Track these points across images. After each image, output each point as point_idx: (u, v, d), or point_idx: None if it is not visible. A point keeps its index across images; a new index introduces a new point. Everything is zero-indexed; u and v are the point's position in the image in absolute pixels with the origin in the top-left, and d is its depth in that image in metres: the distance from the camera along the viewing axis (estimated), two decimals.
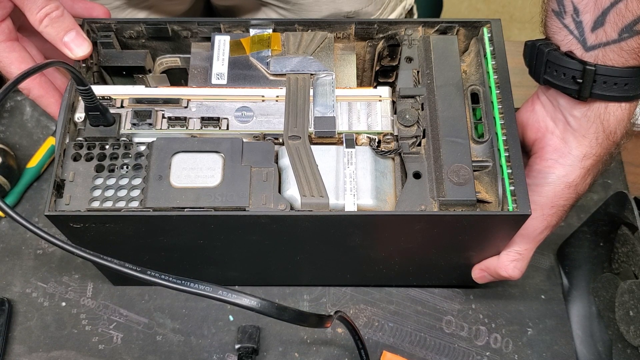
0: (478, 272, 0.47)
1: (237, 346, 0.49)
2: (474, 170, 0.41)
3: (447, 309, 0.53)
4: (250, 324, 0.50)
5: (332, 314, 0.39)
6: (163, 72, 0.49)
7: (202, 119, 0.42)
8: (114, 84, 0.48)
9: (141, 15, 0.60)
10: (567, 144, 0.42)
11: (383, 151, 0.42)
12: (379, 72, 0.48)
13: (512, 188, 0.39)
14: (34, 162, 0.57)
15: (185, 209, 0.39)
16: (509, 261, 0.44)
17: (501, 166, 0.40)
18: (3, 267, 0.54)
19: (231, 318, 0.52)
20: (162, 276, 0.33)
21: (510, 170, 0.40)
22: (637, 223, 0.42)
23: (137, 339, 0.52)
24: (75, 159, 0.41)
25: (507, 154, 0.40)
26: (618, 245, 0.47)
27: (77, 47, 0.42)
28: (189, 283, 0.33)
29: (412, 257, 0.47)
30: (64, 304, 0.53)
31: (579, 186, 0.42)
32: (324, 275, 0.52)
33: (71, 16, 0.42)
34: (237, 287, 0.53)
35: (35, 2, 0.40)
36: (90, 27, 0.45)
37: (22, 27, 0.44)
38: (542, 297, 0.53)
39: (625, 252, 0.46)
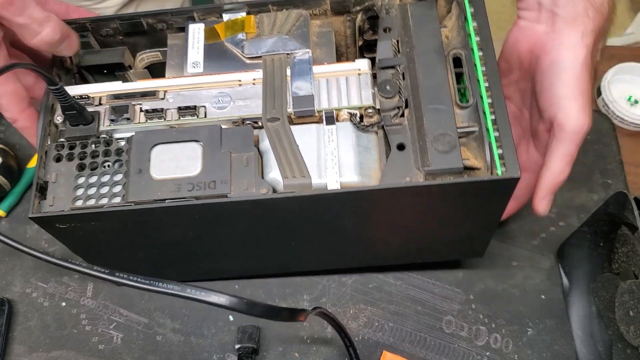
0: (545, 203, 0.44)
1: (237, 346, 0.49)
2: (460, 137, 0.39)
3: (447, 309, 0.53)
4: (250, 324, 0.50)
5: (308, 308, 0.39)
6: (146, 68, 0.48)
7: (179, 108, 0.41)
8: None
9: (149, 7, 0.59)
10: (563, 33, 0.42)
11: (364, 125, 0.41)
12: (364, 47, 0.47)
13: (500, 151, 0.37)
14: (34, 162, 0.57)
15: (166, 200, 0.38)
16: (565, 165, 0.43)
17: (487, 130, 0.38)
18: (3, 267, 0.54)
19: (231, 318, 0.52)
20: (131, 277, 0.33)
21: (497, 134, 0.38)
22: (637, 223, 0.42)
23: (137, 339, 0.52)
24: (58, 159, 0.41)
25: (493, 117, 0.38)
26: (618, 245, 0.47)
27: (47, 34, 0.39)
28: (157, 283, 0.33)
29: (409, 233, 0.46)
30: (64, 304, 0.53)
31: (590, 67, 0.42)
32: (324, 260, 0.51)
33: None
34: (237, 279, 0.53)
35: (29, 29, 0.39)
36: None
37: (13, 42, 0.43)
38: (542, 297, 0.53)
39: (625, 252, 0.46)
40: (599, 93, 0.62)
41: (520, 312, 0.53)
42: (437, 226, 0.45)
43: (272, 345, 0.51)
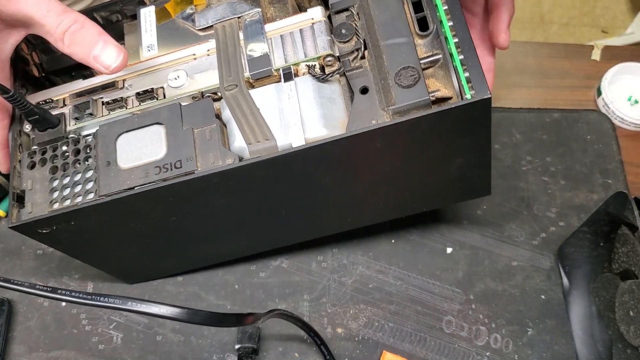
0: (507, 35, 0.48)
1: (237, 346, 0.49)
2: (426, 68, 0.37)
3: (447, 309, 0.53)
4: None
5: (253, 312, 0.38)
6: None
7: (137, 94, 0.41)
8: None
9: None
10: None
11: (324, 75, 0.39)
12: None
13: (467, 75, 0.35)
14: None
15: (135, 188, 0.38)
16: (513, 0, 0.47)
17: (451, 54, 0.36)
18: (3, 267, 0.54)
19: None
20: (73, 293, 0.34)
21: (462, 57, 0.36)
22: (637, 223, 0.42)
23: (137, 339, 0.52)
24: (32, 167, 0.41)
25: (456, 40, 0.36)
26: (618, 245, 0.47)
27: (106, 58, 0.37)
28: (99, 298, 0.33)
29: (399, 180, 0.44)
30: (63, 304, 0.53)
31: None
32: (323, 225, 0.50)
33: (96, 25, 0.37)
34: (232, 262, 0.53)
35: (50, 20, 0.37)
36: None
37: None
38: (542, 297, 0.53)
39: (626, 252, 0.46)
40: (599, 93, 0.62)
41: (521, 312, 0.53)
42: (425, 168, 0.42)
43: (272, 345, 0.51)
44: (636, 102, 0.62)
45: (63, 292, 0.34)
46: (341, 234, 0.54)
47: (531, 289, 0.54)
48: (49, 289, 0.34)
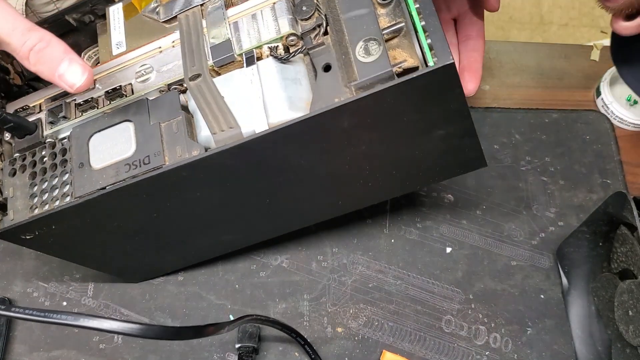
0: None
1: (237, 345, 0.49)
2: (390, 38, 0.36)
3: (446, 308, 0.53)
4: (251, 323, 0.50)
5: (211, 323, 0.38)
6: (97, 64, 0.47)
7: (107, 92, 0.41)
8: None
9: None
10: None
11: (287, 55, 0.38)
12: None
13: (429, 41, 0.34)
14: None
15: (107, 187, 0.38)
16: None
17: (413, 21, 0.35)
18: (4, 266, 0.54)
19: (231, 317, 0.53)
20: (27, 311, 0.34)
21: (424, 23, 0.34)
22: (636, 223, 0.43)
23: (138, 339, 0.52)
24: (14, 174, 0.41)
25: (417, 5, 0.34)
26: (617, 245, 0.47)
27: (71, 77, 0.36)
28: (52, 314, 0.34)
29: (382, 160, 0.42)
30: (65, 303, 0.53)
31: None
32: (315, 211, 0.49)
33: (62, 43, 0.36)
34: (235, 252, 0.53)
35: (15, 38, 0.35)
36: None
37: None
38: (542, 296, 0.54)
39: (625, 252, 0.46)
40: (599, 93, 0.63)
41: (520, 312, 0.53)
42: (405, 143, 0.41)
43: (272, 345, 0.51)
44: (635, 102, 0.62)
45: (17, 309, 0.34)
46: (341, 234, 0.54)
47: (530, 289, 0.54)
48: (2, 308, 0.34)
